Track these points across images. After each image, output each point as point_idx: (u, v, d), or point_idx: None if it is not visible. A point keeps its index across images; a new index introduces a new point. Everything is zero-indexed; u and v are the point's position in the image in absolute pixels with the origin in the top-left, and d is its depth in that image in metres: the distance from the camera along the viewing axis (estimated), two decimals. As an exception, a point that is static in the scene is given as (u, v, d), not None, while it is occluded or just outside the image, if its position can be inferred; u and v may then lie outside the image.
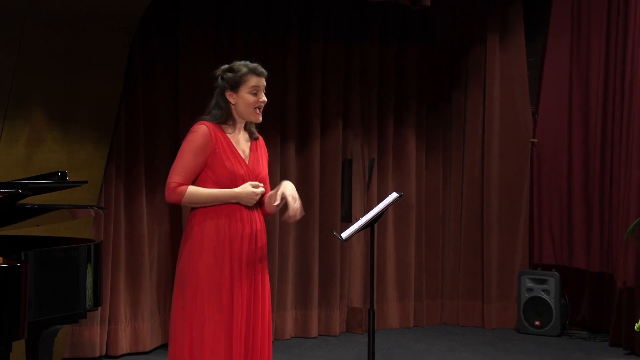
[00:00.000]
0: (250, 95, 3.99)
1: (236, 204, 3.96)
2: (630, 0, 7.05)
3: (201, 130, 3.95)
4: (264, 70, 4.05)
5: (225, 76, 4.01)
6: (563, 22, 7.78)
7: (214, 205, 3.93)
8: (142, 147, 6.74)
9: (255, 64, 4.04)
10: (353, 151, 7.75)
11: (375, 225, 4.40)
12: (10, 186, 3.96)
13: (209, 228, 3.92)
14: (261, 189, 4.00)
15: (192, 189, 3.92)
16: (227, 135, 3.99)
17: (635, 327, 6.36)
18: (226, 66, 4.05)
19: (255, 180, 4.02)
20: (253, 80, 3.99)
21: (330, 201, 7.61)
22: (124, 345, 6.58)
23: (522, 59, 7.99)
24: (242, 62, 4.04)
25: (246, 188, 3.95)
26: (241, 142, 4.04)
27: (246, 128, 4.09)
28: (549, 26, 7.89)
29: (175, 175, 3.92)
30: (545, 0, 7.92)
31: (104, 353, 6.50)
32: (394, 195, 4.50)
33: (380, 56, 7.86)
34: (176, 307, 3.97)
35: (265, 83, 4.04)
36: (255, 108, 4.00)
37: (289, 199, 3.97)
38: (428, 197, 8.12)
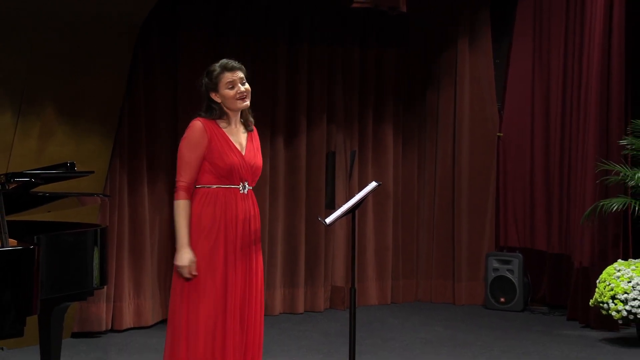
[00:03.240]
0: (228, 90, 3.94)
1: (234, 190, 3.94)
2: (586, 8, 7.09)
3: (196, 126, 3.93)
4: (234, 64, 3.99)
5: (204, 81, 3.99)
6: (526, 27, 7.81)
7: (211, 189, 3.92)
8: (144, 140, 6.72)
9: (226, 61, 3.99)
10: (336, 144, 7.76)
11: (356, 211, 4.40)
12: (24, 176, 3.94)
13: (206, 214, 3.91)
14: (191, 275, 3.89)
15: (180, 207, 3.89)
16: (223, 129, 3.97)
17: (590, 303, 6.42)
18: (206, 71, 4.04)
19: (251, 170, 3.99)
20: (226, 77, 3.94)
21: (315, 189, 7.62)
22: (127, 320, 6.59)
23: (489, 61, 8.02)
24: (217, 64, 4.01)
25: (185, 262, 3.87)
26: (237, 134, 4.00)
27: (242, 120, 4.07)
28: (514, 31, 7.92)
29: (181, 174, 3.92)
30: (510, 7, 7.95)
31: (109, 327, 6.50)
32: (373, 184, 4.50)
33: (361, 58, 7.87)
34: (175, 288, 3.96)
35: (240, 75, 3.97)
36: (238, 99, 3.96)
37: None
38: (404, 186, 8.14)
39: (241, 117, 4.06)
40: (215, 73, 3.97)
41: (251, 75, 4.10)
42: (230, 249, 3.92)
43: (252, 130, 4.09)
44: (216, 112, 3.97)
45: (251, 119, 4.08)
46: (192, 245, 3.92)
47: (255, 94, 4.07)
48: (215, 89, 3.96)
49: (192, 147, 3.91)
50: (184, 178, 3.91)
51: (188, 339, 3.89)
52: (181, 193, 3.91)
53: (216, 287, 3.89)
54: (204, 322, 3.88)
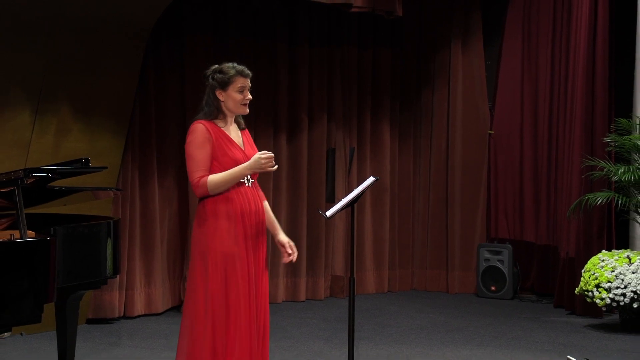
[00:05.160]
0: (237, 93, 3.91)
1: (241, 184, 3.90)
2: (572, 10, 7.10)
3: (199, 128, 3.88)
4: (249, 72, 3.97)
5: (215, 77, 3.92)
6: (516, 29, 7.82)
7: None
8: (154, 136, 6.74)
9: (242, 67, 3.96)
10: (336, 141, 7.77)
11: (355, 204, 4.41)
12: (42, 171, 3.95)
13: (221, 211, 3.86)
14: (270, 153, 3.90)
15: (212, 176, 3.84)
16: (222, 128, 3.93)
17: (576, 291, 6.45)
18: (216, 67, 3.96)
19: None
20: (240, 81, 3.91)
21: (316, 184, 7.64)
22: (139, 307, 6.61)
23: (481, 62, 8.03)
24: (230, 64, 3.96)
25: (254, 159, 3.87)
26: (233, 132, 3.98)
27: (235, 120, 4.03)
28: (504, 33, 7.93)
29: (194, 172, 3.84)
30: (500, 10, 7.96)
31: (122, 314, 6.53)
32: (371, 179, 4.49)
33: (358, 59, 7.88)
34: (196, 282, 3.88)
35: (250, 83, 3.96)
36: (243, 104, 3.95)
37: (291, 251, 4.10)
38: (400, 180, 8.16)
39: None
40: (230, 74, 3.91)
41: (254, 75, 4.08)
42: (248, 237, 3.90)
43: (243, 129, 4.07)
44: (214, 112, 3.93)
45: (241, 120, 4.06)
46: (210, 241, 3.85)
47: (258, 94, 4.06)
48: (224, 88, 3.91)
49: (201, 147, 3.85)
50: (197, 174, 3.84)
51: (214, 329, 3.83)
52: (203, 179, 3.83)
53: (242, 277, 3.85)
54: (233, 312, 3.83)
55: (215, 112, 3.94)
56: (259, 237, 3.99)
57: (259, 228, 3.98)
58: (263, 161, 3.88)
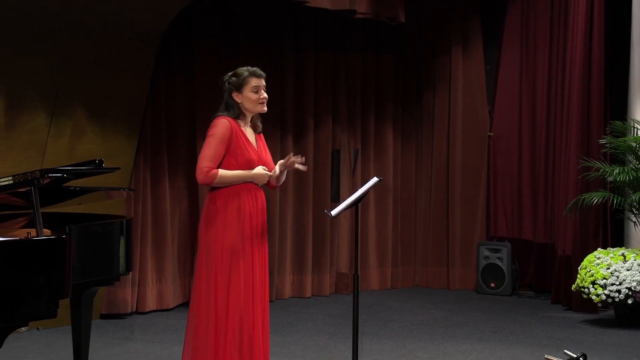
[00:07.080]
0: (252, 93, 3.98)
1: (251, 183, 3.99)
2: (569, 16, 7.10)
3: (225, 123, 3.95)
4: (262, 72, 4.04)
5: (230, 80, 4.01)
6: (514, 35, 7.82)
7: (233, 186, 3.95)
8: (165, 138, 6.75)
9: (255, 68, 4.04)
10: (341, 143, 7.77)
11: (359, 204, 4.41)
12: (57, 172, 3.95)
13: (232, 208, 3.92)
14: (269, 173, 4.04)
15: (222, 172, 3.93)
16: (242, 128, 4.02)
17: (572, 288, 6.44)
18: (230, 73, 4.06)
19: (263, 164, 4.06)
20: (253, 81, 3.98)
21: (321, 184, 7.64)
22: (150, 303, 6.62)
23: (481, 67, 8.03)
24: (244, 68, 4.05)
25: (259, 170, 3.99)
26: (249, 134, 4.06)
27: (251, 123, 4.10)
28: (503, 39, 7.92)
29: (206, 161, 3.91)
30: (498, 16, 7.96)
31: (134, 310, 6.54)
32: (375, 179, 4.49)
33: (362, 64, 7.87)
34: (200, 278, 3.93)
35: (264, 83, 4.03)
36: (259, 103, 4.02)
37: (288, 163, 4.03)
38: (403, 181, 8.15)
39: (250, 121, 4.10)
40: (244, 76, 3.99)
41: (261, 79, 4.12)
42: (253, 235, 3.95)
43: (259, 133, 4.13)
44: (235, 112, 4.00)
45: (259, 124, 4.12)
46: (219, 236, 3.91)
47: (265, 98, 4.08)
48: (240, 89, 3.98)
49: (222, 141, 3.93)
50: (208, 164, 3.91)
51: (217, 324, 3.86)
52: (213, 171, 3.91)
53: (245, 274, 3.89)
54: (234, 307, 3.86)
55: (237, 113, 4.01)
56: (263, 236, 4.03)
57: (263, 227, 4.03)
58: (265, 177, 4.00)
